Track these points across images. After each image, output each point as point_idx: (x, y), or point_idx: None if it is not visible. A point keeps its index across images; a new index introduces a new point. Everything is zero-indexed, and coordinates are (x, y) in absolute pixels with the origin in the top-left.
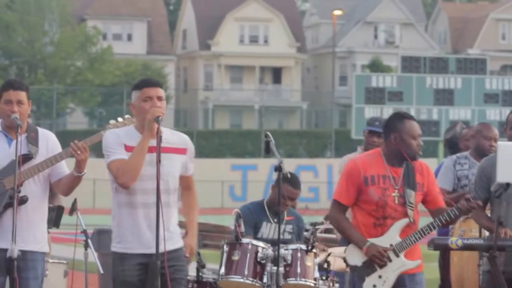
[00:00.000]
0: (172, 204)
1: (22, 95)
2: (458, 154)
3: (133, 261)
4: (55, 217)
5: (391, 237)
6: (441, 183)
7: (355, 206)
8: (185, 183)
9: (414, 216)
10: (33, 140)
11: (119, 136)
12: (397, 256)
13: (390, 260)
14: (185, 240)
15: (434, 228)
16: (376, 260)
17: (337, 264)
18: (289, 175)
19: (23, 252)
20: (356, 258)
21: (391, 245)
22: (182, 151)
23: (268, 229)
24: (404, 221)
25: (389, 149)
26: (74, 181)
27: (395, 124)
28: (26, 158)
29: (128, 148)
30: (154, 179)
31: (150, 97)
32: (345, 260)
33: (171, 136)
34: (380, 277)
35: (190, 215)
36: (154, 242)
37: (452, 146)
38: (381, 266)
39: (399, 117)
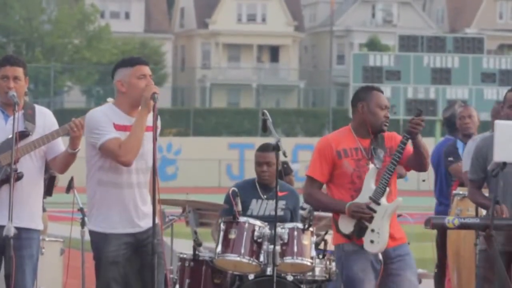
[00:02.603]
0: (148, 182)
1: (19, 71)
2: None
3: (119, 241)
4: (47, 186)
5: (367, 189)
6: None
7: (330, 183)
8: None
9: (391, 186)
10: (30, 117)
11: (107, 115)
12: (378, 204)
13: (375, 211)
14: None
15: (397, 161)
16: (359, 215)
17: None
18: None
19: (18, 230)
20: (347, 224)
21: (370, 197)
22: (151, 128)
23: (258, 206)
24: (371, 171)
25: (356, 120)
26: (68, 158)
27: (362, 95)
28: (23, 135)
29: (117, 127)
30: (138, 158)
31: (144, 75)
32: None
33: (150, 114)
34: (373, 231)
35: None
36: (139, 222)
37: (450, 125)
38: (369, 220)
39: (367, 88)
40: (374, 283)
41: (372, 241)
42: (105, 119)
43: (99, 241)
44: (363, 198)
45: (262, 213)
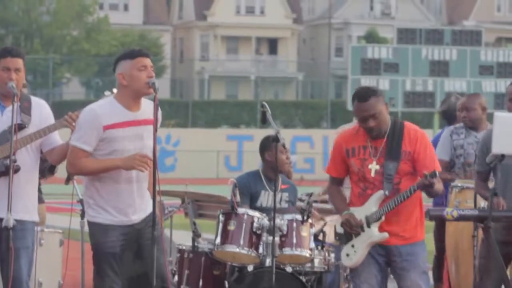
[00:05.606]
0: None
1: (20, 63)
2: (456, 125)
3: (117, 231)
4: (49, 166)
5: (367, 208)
6: (439, 154)
7: (350, 178)
8: None
9: (400, 185)
10: (26, 109)
11: (98, 119)
12: (368, 227)
13: (363, 230)
14: None
15: (399, 202)
16: (345, 227)
17: (332, 234)
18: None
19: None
20: (340, 227)
21: (366, 216)
22: (152, 122)
23: (266, 197)
24: (379, 193)
25: None
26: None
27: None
28: (19, 127)
29: (110, 126)
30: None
31: (145, 66)
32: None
33: (149, 107)
34: (352, 246)
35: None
36: (133, 216)
37: (448, 117)
38: (356, 235)
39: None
40: (377, 275)
41: (348, 255)
42: (92, 124)
43: (97, 231)
44: (361, 212)
45: (270, 204)
